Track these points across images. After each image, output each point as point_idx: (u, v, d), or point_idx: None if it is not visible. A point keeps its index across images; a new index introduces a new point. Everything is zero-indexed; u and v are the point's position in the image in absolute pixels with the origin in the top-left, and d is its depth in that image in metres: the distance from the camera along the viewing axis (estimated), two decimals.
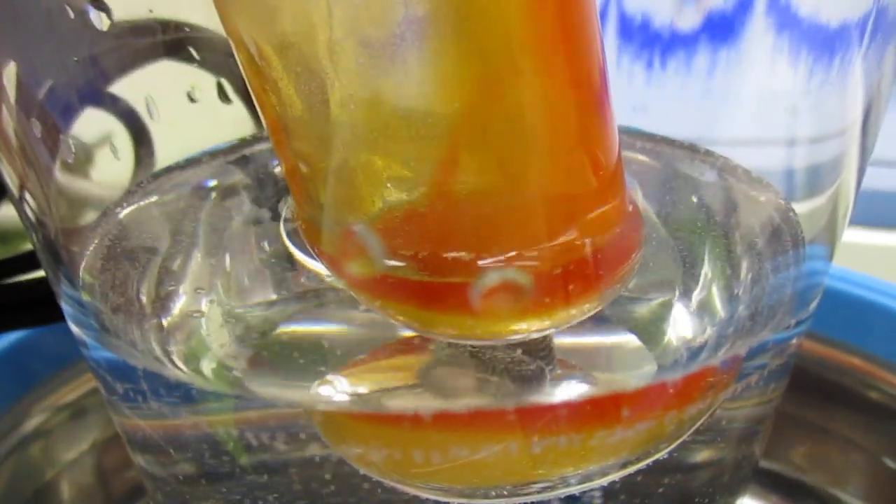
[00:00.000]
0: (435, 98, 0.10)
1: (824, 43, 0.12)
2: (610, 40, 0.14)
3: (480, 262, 0.10)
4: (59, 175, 0.13)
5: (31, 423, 0.19)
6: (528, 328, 0.10)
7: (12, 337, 0.19)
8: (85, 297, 0.12)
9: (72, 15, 0.12)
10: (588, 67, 0.10)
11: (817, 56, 0.12)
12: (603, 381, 0.13)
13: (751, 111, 0.14)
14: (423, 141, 0.10)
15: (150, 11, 0.14)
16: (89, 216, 0.14)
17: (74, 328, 0.13)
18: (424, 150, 0.10)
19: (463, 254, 0.10)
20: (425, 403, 0.11)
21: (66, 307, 0.13)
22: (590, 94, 0.10)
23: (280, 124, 0.11)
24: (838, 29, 0.12)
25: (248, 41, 0.10)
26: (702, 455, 0.14)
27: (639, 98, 0.15)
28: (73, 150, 0.13)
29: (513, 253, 0.10)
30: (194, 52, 0.15)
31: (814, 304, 0.15)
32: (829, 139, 0.13)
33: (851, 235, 0.35)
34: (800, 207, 0.14)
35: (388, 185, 0.10)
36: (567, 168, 0.11)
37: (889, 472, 0.21)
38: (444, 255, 0.10)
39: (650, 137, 0.16)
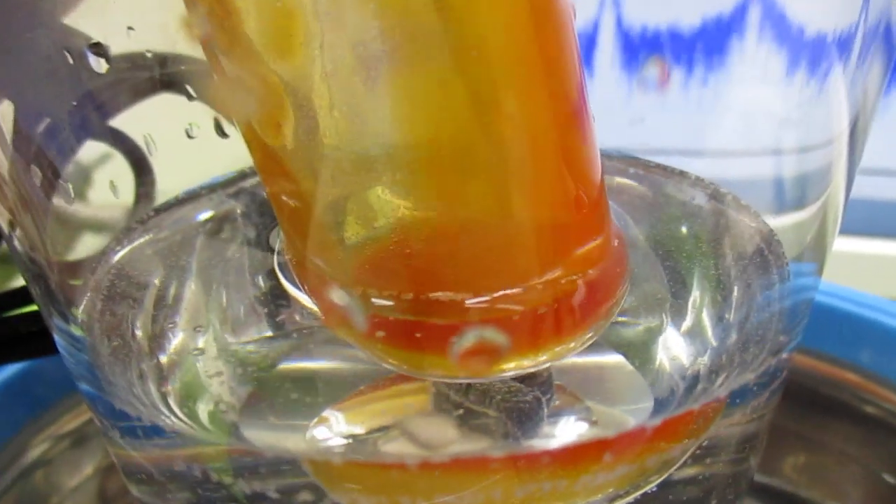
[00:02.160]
0: (416, 132, 0.10)
1: (813, 55, 0.12)
2: (605, 52, 0.14)
3: (466, 302, 0.10)
4: (55, 212, 0.13)
5: (34, 452, 0.19)
6: (515, 367, 0.11)
7: (15, 366, 0.19)
8: (80, 334, 0.13)
9: (71, 60, 0.12)
10: (570, 96, 0.10)
11: (806, 68, 0.12)
12: (600, 415, 0.13)
13: (741, 123, 0.14)
14: (405, 176, 0.10)
15: (147, 52, 0.14)
16: (84, 246, 0.14)
17: (68, 362, 0.13)
18: (408, 185, 0.10)
19: (448, 294, 0.10)
20: (419, 451, 0.11)
21: (59, 340, 0.13)
22: (572, 123, 0.11)
23: (265, 161, 0.11)
24: (826, 41, 0.12)
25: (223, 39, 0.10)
26: (696, 471, 0.14)
27: (635, 110, 0.15)
28: (72, 193, 0.13)
29: (498, 293, 0.10)
30: (190, 88, 0.15)
31: (804, 320, 0.15)
32: (818, 150, 0.13)
33: (855, 245, 0.35)
34: (790, 218, 0.14)
35: (372, 221, 0.10)
36: (550, 201, 0.11)
37: (885, 486, 0.21)
38: (429, 296, 0.10)
39: (644, 164, 0.16)
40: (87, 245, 0.15)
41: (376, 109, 0.10)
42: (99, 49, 0.12)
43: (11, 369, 0.19)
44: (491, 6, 0.09)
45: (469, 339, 0.10)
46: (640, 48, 0.14)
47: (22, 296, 0.17)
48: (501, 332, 0.10)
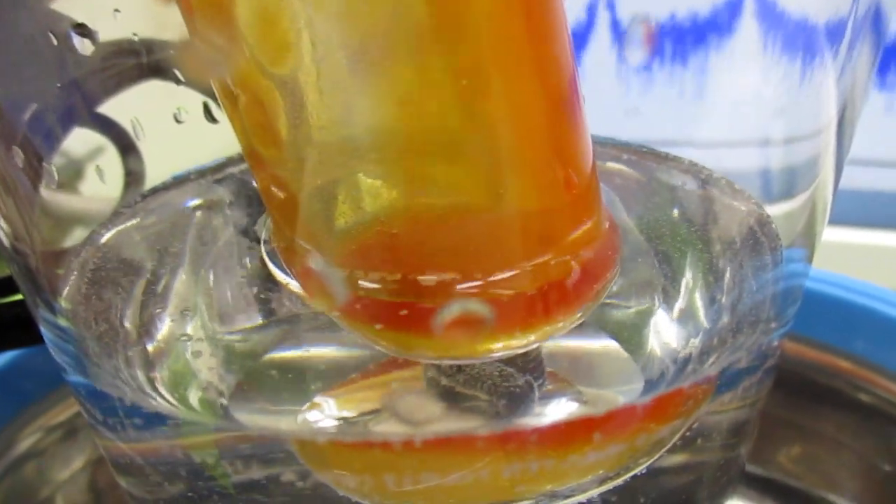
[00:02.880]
0: (403, 116, 0.10)
1: (804, 44, 0.12)
2: (600, 42, 0.14)
3: (456, 285, 0.10)
4: (42, 199, 0.13)
5: (25, 444, 0.19)
6: (504, 347, 0.11)
7: (3, 357, 0.19)
8: (66, 324, 0.12)
9: (55, 41, 0.12)
10: (559, 81, 0.10)
11: (797, 57, 0.13)
12: (591, 397, 0.13)
13: (731, 113, 0.14)
14: (394, 159, 0.10)
15: (134, 35, 0.14)
16: (72, 238, 0.14)
17: (54, 353, 0.13)
18: (396, 169, 0.10)
19: (436, 276, 0.10)
20: (408, 430, 0.11)
21: (45, 332, 0.13)
22: (561, 108, 0.11)
23: (253, 146, 0.11)
24: (817, 30, 0.12)
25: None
26: (686, 457, 0.14)
27: (628, 101, 0.15)
28: (57, 177, 0.13)
29: (488, 276, 0.10)
30: (178, 72, 0.15)
31: (795, 306, 0.15)
32: (807, 139, 0.13)
33: (849, 235, 0.35)
34: (780, 208, 0.14)
35: (360, 205, 0.10)
36: (539, 184, 0.11)
37: (880, 474, 0.21)
38: (418, 278, 0.10)
39: (636, 150, 0.16)
40: (74, 234, 0.14)
41: (362, 94, 0.10)
42: (84, 30, 0.12)
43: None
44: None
45: (453, 311, 0.10)
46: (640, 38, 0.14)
47: (7, 285, 0.17)
48: (486, 305, 0.10)
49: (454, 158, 0.10)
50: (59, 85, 0.13)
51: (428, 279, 0.10)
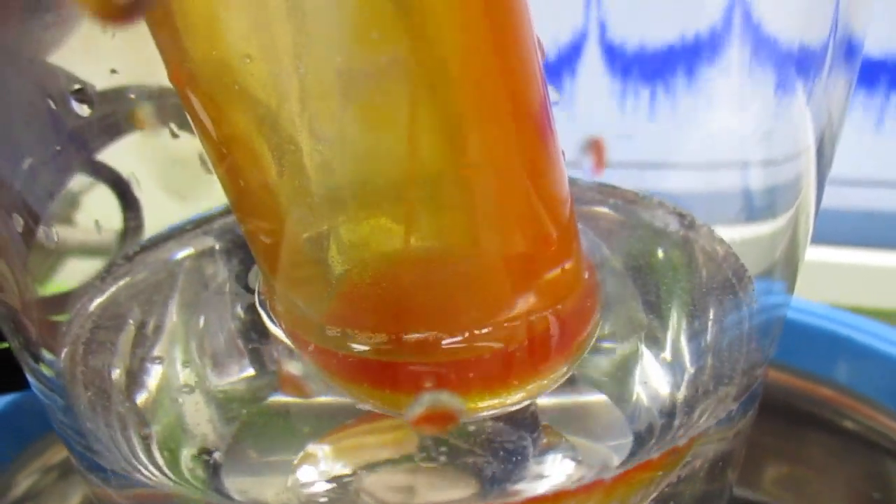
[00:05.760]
0: (386, 169, 0.10)
1: (784, 70, 0.13)
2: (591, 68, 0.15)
3: (442, 343, 0.10)
4: (33, 251, 0.13)
5: (23, 485, 0.19)
6: (488, 406, 0.11)
7: (6, 399, 0.19)
8: (51, 374, 0.13)
9: (53, 106, 0.13)
10: (538, 130, 0.11)
11: (777, 82, 0.13)
12: (583, 451, 0.13)
13: (714, 137, 0.14)
14: (376, 212, 0.10)
15: (131, 94, 0.14)
16: (57, 286, 0.14)
17: (41, 399, 0.13)
18: (379, 220, 0.10)
19: (421, 334, 0.10)
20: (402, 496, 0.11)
21: (31, 379, 0.13)
22: (540, 155, 0.11)
23: (238, 198, 0.11)
24: (796, 55, 0.12)
25: (204, 115, 0.11)
26: (674, 489, 0.14)
27: (623, 126, 0.16)
28: (56, 238, 0.13)
29: (472, 331, 0.10)
30: (175, 128, 0.15)
31: (777, 337, 0.15)
32: (787, 163, 0.14)
33: (837, 255, 0.36)
34: (761, 230, 0.14)
35: (342, 259, 0.11)
36: (520, 233, 0.11)
37: (866, 499, 0.21)
38: (403, 336, 0.10)
39: (622, 194, 0.17)
40: (61, 281, 0.15)
41: (346, 147, 0.10)
42: (82, 95, 0.13)
43: None
44: (460, 49, 0.10)
45: (424, 403, 0.10)
46: (627, 66, 0.14)
47: None
48: (457, 397, 0.10)
49: (436, 210, 0.10)
50: (57, 147, 0.13)
51: (413, 337, 0.10)
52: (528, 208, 0.11)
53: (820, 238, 0.35)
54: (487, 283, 0.11)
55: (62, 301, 0.14)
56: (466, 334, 0.11)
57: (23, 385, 0.18)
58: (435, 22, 0.09)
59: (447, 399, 0.10)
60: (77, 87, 0.12)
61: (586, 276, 0.12)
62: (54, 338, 0.13)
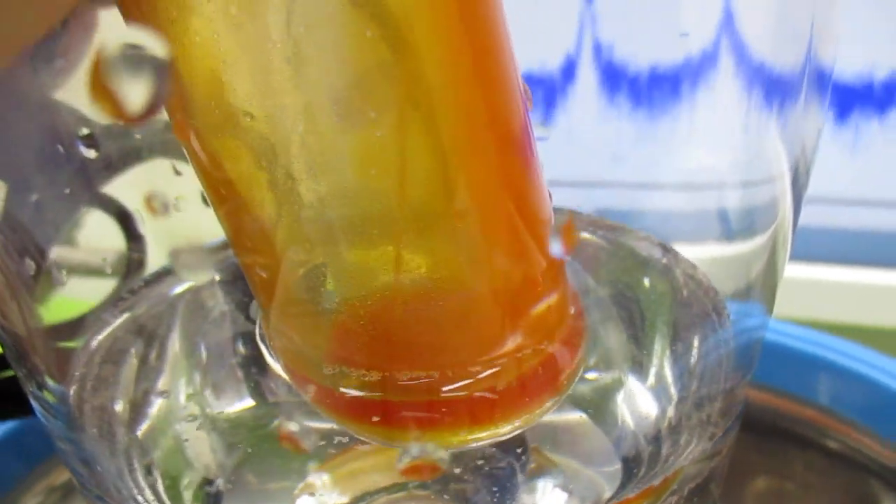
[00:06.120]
0: (378, 204, 0.10)
1: (763, 97, 0.13)
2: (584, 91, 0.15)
3: (433, 381, 0.11)
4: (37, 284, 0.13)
5: None
6: (476, 438, 0.11)
7: (15, 423, 0.20)
8: (54, 401, 0.13)
9: (62, 151, 0.13)
10: (523, 167, 0.11)
11: (756, 108, 0.13)
12: (572, 476, 0.13)
13: (696, 157, 0.15)
14: (369, 247, 0.11)
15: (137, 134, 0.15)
16: (60, 315, 0.15)
17: (44, 424, 0.14)
18: (370, 256, 0.11)
19: (414, 373, 0.11)
20: None
21: (35, 405, 0.14)
22: (525, 190, 0.11)
23: (235, 235, 0.12)
24: (774, 84, 0.13)
25: (205, 163, 0.11)
26: None
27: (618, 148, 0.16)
28: (65, 276, 0.13)
29: (464, 368, 0.11)
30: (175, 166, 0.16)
31: (756, 358, 0.16)
32: (763, 185, 0.14)
33: (814, 272, 0.36)
34: (739, 250, 0.15)
35: (338, 297, 0.11)
36: (508, 267, 0.12)
37: None
38: (396, 375, 0.11)
39: (611, 226, 0.17)
40: (64, 311, 0.15)
41: (340, 189, 0.10)
42: (91, 141, 0.13)
43: (6, 426, 0.20)
44: (452, 102, 0.10)
45: (410, 455, 0.11)
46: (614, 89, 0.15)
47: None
48: (442, 449, 0.11)
49: (427, 244, 0.11)
50: (66, 190, 0.14)
51: (404, 375, 0.11)
52: (516, 244, 0.12)
53: (805, 255, 0.36)
54: (477, 319, 0.12)
55: (66, 329, 0.15)
56: (458, 371, 0.11)
57: (30, 411, 0.19)
58: (427, 82, 0.10)
59: (432, 450, 0.11)
60: (86, 132, 0.13)
61: (572, 310, 0.13)
62: (58, 365, 0.14)
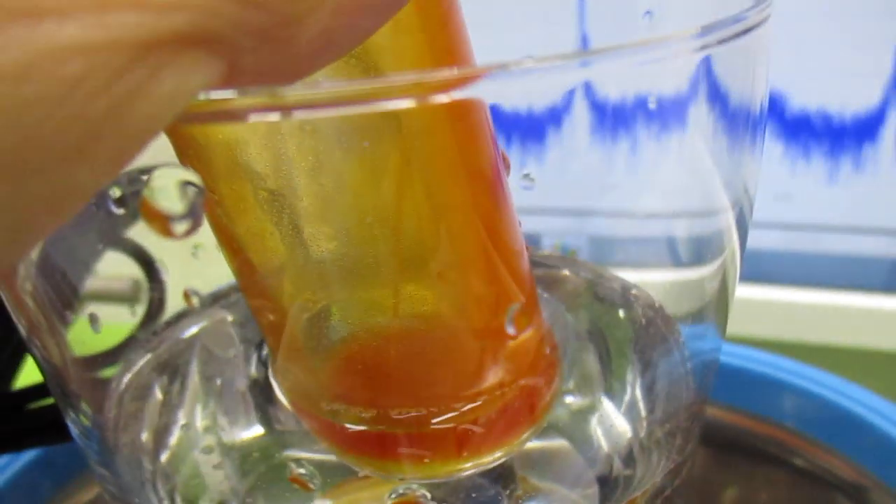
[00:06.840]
0: (371, 250, 0.12)
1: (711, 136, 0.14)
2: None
3: (424, 415, 0.12)
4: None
5: None
6: (471, 466, 0.13)
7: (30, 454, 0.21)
8: (89, 424, 0.14)
9: (94, 209, 0.15)
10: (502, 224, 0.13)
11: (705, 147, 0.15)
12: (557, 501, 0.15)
13: (654, 189, 0.16)
14: (366, 291, 0.12)
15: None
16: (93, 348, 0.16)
17: (80, 446, 0.15)
18: (368, 305, 0.12)
19: (406, 409, 0.12)
20: None
21: (72, 428, 0.15)
22: (504, 242, 0.13)
23: (246, 282, 0.13)
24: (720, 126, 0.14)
25: (223, 227, 0.13)
26: None
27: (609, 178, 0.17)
28: (100, 327, 0.15)
29: (450, 404, 0.13)
30: None
31: (712, 376, 0.17)
32: (713, 216, 0.15)
33: (792, 296, 0.38)
34: (696, 273, 0.16)
35: (336, 337, 0.12)
36: (491, 309, 0.13)
37: None
38: (391, 411, 0.12)
39: (592, 268, 0.19)
40: (96, 344, 0.17)
41: (342, 242, 0.12)
42: (122, 201, 0.15)
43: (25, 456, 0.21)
44: (439, 177, 0.12)
45: (397, 494, 0.12)
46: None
47: (45, 389, 0.20)
48: (427, 488, 0.12)
49: (416, 289, 0.12)
50: (100, 247, 0.15)
51: (397, 411, 0.13)
52: (497, 287, 0.13)
53: (775, 278, 0.38)
54: (461, 358, 0.13)
55: (98, 360, 0.16)
56: (444, 406, 0.13)
57: (68, 437, 0.20)
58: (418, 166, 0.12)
59: (416, 489, 0.13)
60: (118, 194, 0.15)
61: (547, 349, 0.14)
62: (91, 391, 0.16)
